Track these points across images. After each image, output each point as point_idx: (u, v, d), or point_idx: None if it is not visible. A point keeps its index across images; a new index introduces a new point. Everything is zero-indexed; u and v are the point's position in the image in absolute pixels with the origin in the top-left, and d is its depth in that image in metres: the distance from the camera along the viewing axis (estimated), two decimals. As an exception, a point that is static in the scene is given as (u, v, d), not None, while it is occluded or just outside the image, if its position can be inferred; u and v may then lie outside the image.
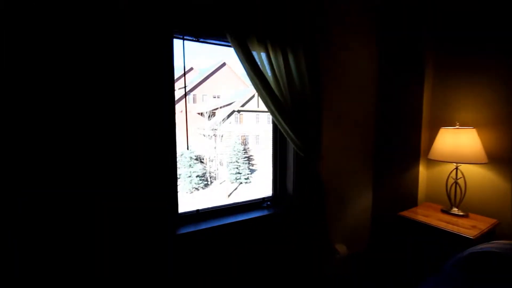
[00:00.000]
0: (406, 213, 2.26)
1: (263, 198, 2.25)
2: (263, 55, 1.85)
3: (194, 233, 1.73)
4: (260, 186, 16.19)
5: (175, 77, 1.68)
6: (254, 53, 1.77)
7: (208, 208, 1.99)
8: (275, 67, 1.88)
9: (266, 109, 1.91)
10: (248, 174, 16.83)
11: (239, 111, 19.06)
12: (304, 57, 1.97)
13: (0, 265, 1.11)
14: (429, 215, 2.22)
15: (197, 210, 1.94)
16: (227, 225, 1.86)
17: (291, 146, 2.20)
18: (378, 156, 2.64)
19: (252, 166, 18.62)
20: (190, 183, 14.81)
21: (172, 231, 1.69)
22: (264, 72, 1.81)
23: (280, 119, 1.92)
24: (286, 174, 2.27)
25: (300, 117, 1.98)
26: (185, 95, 1.92)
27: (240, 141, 17.50)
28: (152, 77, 1.56)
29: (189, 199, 14.04)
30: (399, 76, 2.48)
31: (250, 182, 16.72)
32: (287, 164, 2.26)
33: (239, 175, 16.41)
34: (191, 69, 25.17)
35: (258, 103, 19.35)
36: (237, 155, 16.75)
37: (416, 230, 2.17)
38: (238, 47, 1.70)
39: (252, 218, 1.97)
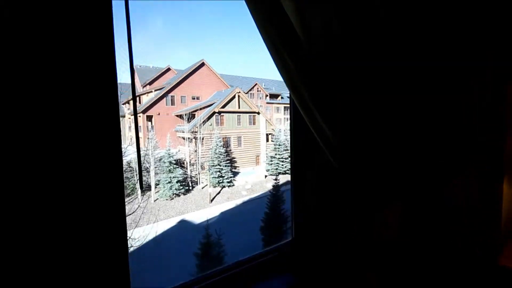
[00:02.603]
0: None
1: (278, 250, 1.36)
2: None
3: None
4: (244, 189, 15.50)
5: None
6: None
7: (187, 283, 1.08)
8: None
9: (247, 109, 1.04)
10: (231, 177, 15.97)
11: (219, 113, 18.15)
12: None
13: None
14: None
15: (166, 295, 1.01)
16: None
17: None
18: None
19: (235, 168, 17.83)
20: (170, 189, 13.80)
21: None
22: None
23: (311, 104, 1.00)
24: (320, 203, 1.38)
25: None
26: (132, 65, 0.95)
27: (222, 143, 16.66)
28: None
29: (171, 205, 13.09)
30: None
31: (233, 185, 15.91)
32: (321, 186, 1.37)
33: (221, 178, 15.49)
34: (168, 69, 23.89)
35: (239, 104, 18.53)
36: (219, 157, 15.84)
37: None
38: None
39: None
